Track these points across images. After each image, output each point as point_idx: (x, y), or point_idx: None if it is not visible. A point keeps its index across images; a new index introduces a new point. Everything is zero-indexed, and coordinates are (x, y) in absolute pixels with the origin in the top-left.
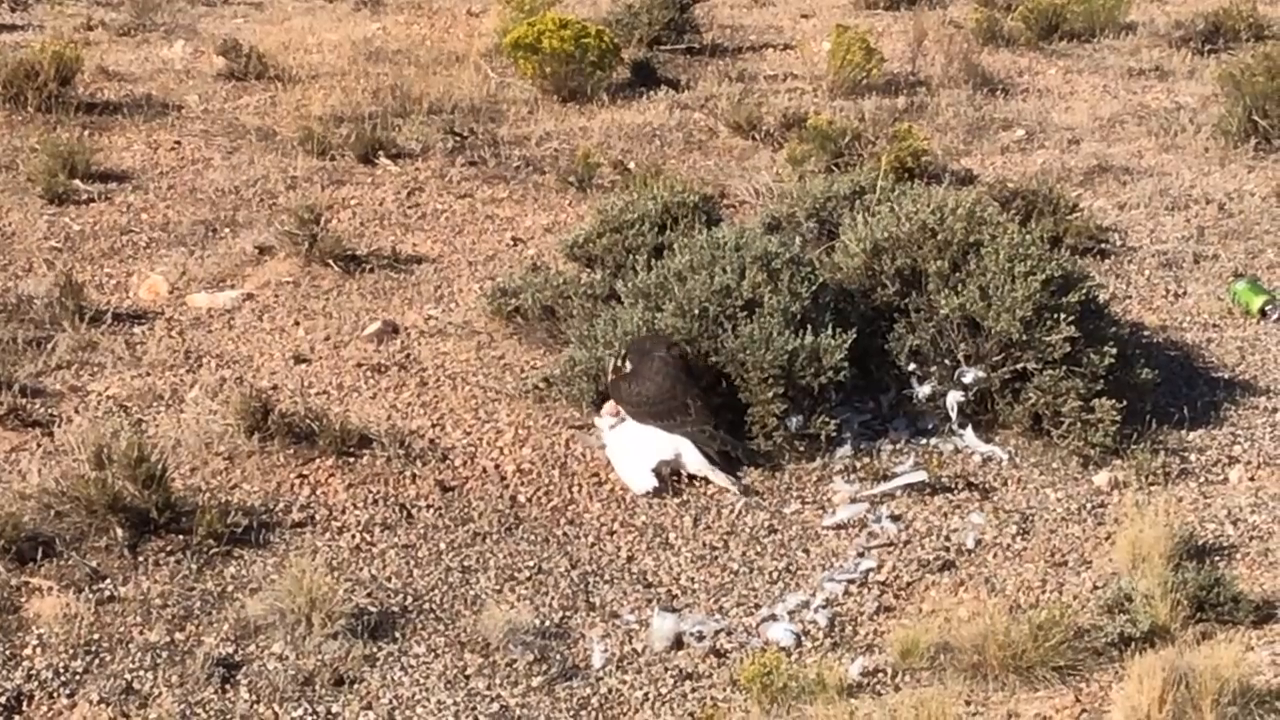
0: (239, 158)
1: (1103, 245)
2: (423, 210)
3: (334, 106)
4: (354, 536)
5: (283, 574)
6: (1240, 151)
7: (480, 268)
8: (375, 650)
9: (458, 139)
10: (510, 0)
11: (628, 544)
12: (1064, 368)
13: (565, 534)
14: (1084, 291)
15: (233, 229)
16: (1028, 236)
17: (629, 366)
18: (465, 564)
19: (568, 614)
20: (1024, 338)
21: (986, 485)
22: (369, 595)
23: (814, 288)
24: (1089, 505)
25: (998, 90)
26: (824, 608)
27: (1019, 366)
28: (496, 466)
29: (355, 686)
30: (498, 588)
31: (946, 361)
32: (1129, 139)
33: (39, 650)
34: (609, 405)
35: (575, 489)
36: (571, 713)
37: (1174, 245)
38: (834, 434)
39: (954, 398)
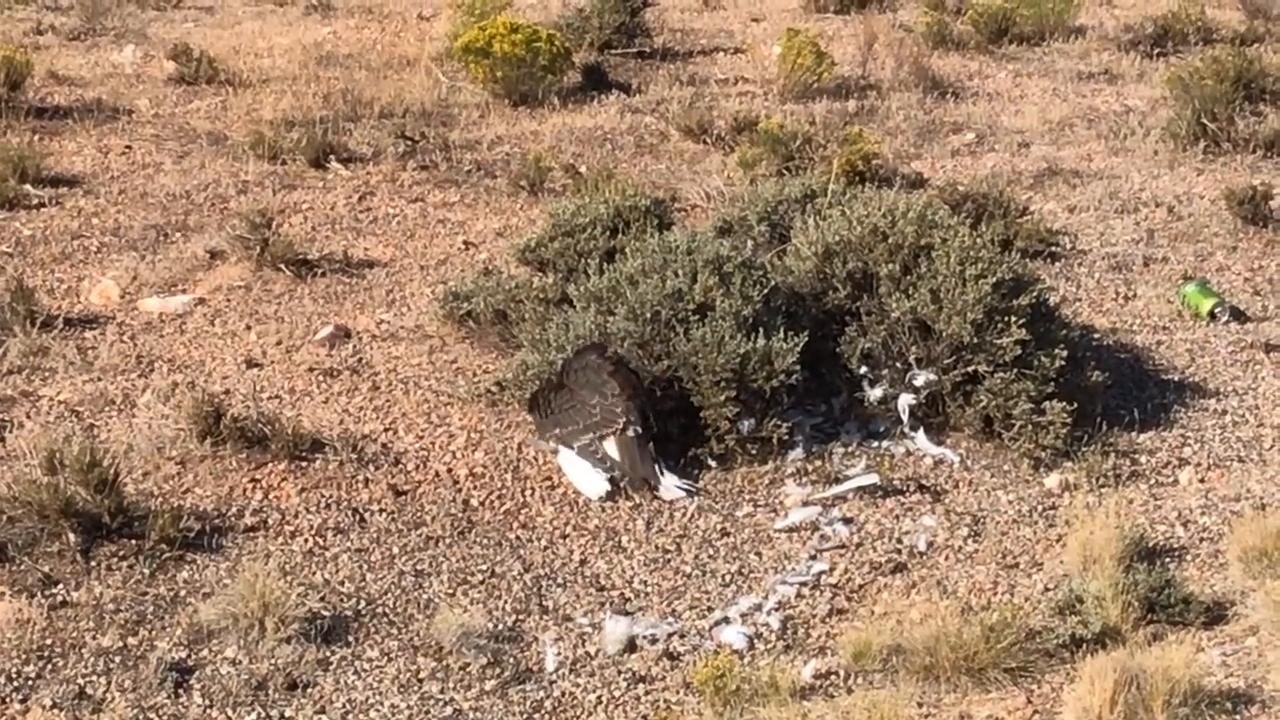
0: (190, 162)
1: (1053, 248)
2: (374, 214)
3: (285, 111)
4: (307, 541)
5: (235, 578)
6: (1189, 154)
7: (432, 272)
8: (328, 654)
9: (409, 143)
10: (461, 4)
11: (580, 547)
12: (1015, 370)
13: (518, 538)
14: (1034, 294)
15: (184, 233)
16: (978, 240)
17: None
18: (418, 568)
19: (521, 617)
20: (975, 340)
21: (938, 488)
22: (322, 599)
23: (766, 291)
24: (1040, 507)
25: (948, 94)
26: (776, 610)
27: (970, 369)
28: (449, 470)
29: (308, 691)
30: (451, 591)
31: (898, 364)
32: (1078, 142)
33: None
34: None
35: (528, 493)
36: (524, 716)
37: (1124, 248)
38: (786, 437)
39: (905, 400)
